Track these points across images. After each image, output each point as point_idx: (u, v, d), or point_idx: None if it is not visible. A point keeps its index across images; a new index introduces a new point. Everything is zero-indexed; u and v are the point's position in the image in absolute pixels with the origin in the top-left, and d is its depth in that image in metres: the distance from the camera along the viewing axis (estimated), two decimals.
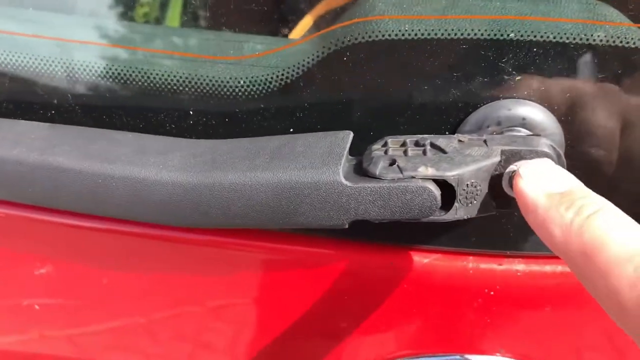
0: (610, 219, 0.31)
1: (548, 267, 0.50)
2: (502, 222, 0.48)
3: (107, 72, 0.47)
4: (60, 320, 0.62)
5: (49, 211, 0.53)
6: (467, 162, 0.38)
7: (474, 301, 0.51)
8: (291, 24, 0.44)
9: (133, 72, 0.46)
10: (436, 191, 0.38)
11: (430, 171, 0.38)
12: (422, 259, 0.51)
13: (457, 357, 0.57)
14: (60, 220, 0.53)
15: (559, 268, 0.50)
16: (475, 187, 0.39)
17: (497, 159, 0.39)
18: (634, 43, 0.41)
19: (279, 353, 0.60)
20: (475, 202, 0.39)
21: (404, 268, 0.51)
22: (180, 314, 0.58)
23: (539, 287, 0.51)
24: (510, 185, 0.39)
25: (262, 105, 0.45)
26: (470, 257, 0.50)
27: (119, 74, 0.47)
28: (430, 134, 0.43)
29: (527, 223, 0.47)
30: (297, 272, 0.53)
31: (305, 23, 0.45)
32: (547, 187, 0.34)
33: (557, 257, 0.49)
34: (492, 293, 0.51)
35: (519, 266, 0.50)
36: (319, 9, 0.44)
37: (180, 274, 0.55)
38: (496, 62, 0.42)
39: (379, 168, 0.39)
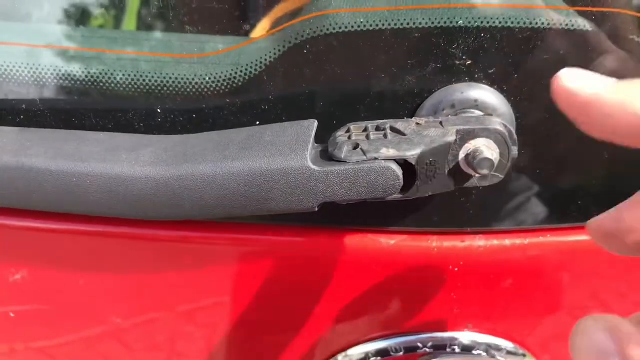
0: None
1: (507, 241, 0.53)
2: (462, 200, 0.50)
3: (75, 76, 0.48)
4: (37, 328, 0.62)
5: (20, 216, 0.53)
6: (426, 143, 0.41)
7: (439, 279, 0.54)
8: (252, 22, 0.46)
9: (100, 74, 0.48)
10: (398, 170, 0.40)
11: (392, 152, 0.40)
12: (388, 241, 0.53)
13: (428, 335, 0.59)
14: (32, 224, 0.54)
15: (517, 242, 0.53)
16: (434, 165, 0.41)
17: (452, 138, 0.41)
18: (572, 26, 0.44)
19: (255, 344, 0.62)
20: (434, 180, 0.42)
21: (372, 251, 0.53)
22: (158, 311, 0.59)
23: (500, 260, 0.53)
24: (467, 162, 0.42)
25: (228, 101, 0.47)
26: (434, 237, 0.53)
27: (86, 76, 0.48)
28: (390, 119, 0.45)
29: (485, 199, 0.50)
30: (269, 261, 0.55)
31: (265, 24, 0.46)
32: None
33: (516, 231, 0.53)
34: (456, 270, 0.53)
35: (480, 242, 0.52)
36: (277, 11, 0.46)
37: (155, 273, 0.56)
38: (447, 49, 0.45)
39: (344, 152, 0.41)
